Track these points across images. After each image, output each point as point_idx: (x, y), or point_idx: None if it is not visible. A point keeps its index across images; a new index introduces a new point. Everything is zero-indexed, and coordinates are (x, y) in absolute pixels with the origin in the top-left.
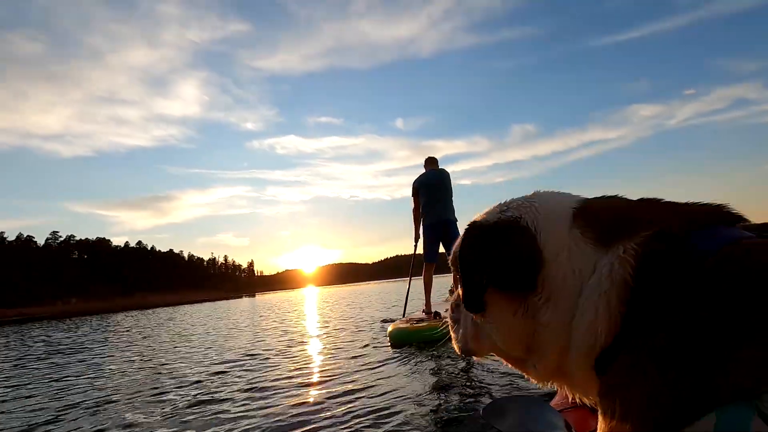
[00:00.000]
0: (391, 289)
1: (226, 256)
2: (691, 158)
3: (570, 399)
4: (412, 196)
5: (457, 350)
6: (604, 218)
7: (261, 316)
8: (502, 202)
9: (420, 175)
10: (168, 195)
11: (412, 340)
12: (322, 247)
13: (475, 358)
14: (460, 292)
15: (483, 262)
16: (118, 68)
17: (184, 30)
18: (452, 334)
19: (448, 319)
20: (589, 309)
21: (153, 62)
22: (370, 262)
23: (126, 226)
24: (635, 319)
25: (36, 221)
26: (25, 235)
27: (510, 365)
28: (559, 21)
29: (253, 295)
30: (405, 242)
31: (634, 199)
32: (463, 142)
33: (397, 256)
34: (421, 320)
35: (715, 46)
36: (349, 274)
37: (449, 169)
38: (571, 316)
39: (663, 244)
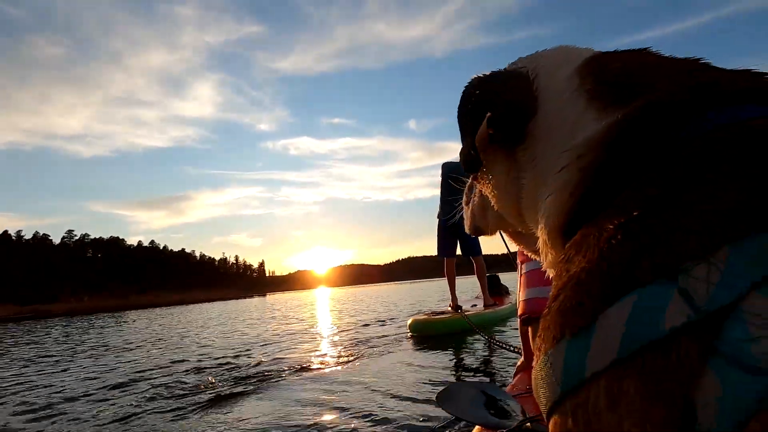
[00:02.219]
0: (411, 289)
1: (237, 256)
2: None
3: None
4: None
5: (468, 229)
6: (611, 73)
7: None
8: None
9: (446, 162)
10: (184, 195)
11: (432, 331)
12: (334, 248)
13: (485, 238)
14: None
15: (474, 112)
16: (136, 70)
17: (200, 32)
18: (465, 217)
19: (463, 205)
20: (560, 175)
21: (170, 64)
22: (382, 264)
23: (142, 225)
24: (600, 195)
25: (56, 220)
26: (41, 233)
27: (516, 244)
28: (574, 21)
29: (264, 295)
30: (417, 244)
31: (670, 56)
32: None
33: (409, 257)
34: (442, 313)
35: (737, 44)
36: (360, 275)
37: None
38: (546, 179)
39: (651, 119)
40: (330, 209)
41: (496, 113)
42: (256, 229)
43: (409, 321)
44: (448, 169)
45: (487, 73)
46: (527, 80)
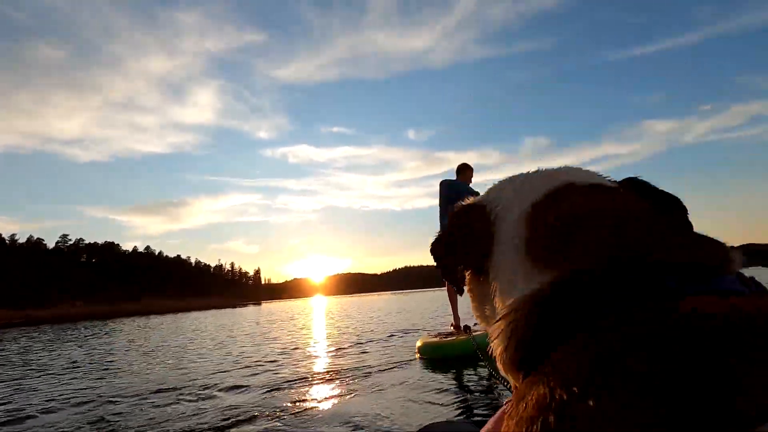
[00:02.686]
0: (408, 301)
1: (233, 263)
2: (706, 174)
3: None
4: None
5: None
6: (546, 226)
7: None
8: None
9: (443, 182)
10: (181, 201)
11: (440, 354)
12: (332, 257)
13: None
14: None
15: (450, 244)
16: (136, 75)
17: (201, 39)
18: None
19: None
20: (500, 323)
21: (171, 70)
22: (379, 273)
23: (139, 231)
24: (528, 354)
25: (52, 224)
26: (35, 237)
27: None
28: (573, 34)
29: (259, 304)
30: (414, 253)
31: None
32: (474, 154)
33: (406, 267)
34: (450, 334)
35: (733, 61)
36: (357, 283)
37: (455, 177)
38: (496, 316)
39: (570, 294)
40: (328, 217)
41: (462, 250)
42: (253, 236)
43: (419, 343)
44: (447, 187)
45: (470, 202)
46: (490, 223)
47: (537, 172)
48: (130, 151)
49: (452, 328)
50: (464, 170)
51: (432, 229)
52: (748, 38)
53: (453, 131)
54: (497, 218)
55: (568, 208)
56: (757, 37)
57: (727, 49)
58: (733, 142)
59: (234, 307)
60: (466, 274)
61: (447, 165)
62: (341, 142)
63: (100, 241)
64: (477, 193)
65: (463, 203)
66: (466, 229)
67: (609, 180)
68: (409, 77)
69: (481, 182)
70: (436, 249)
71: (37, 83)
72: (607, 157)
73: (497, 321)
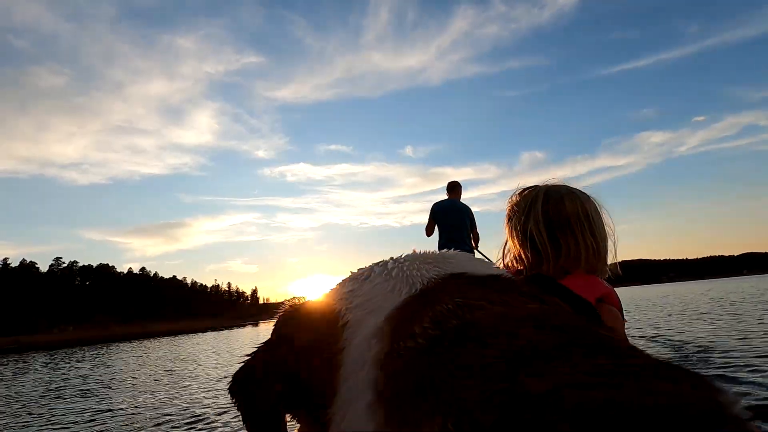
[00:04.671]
0: None
1: (229, 283)
2: (701, 185)
3: None
4: (430, 219)
5: None
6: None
7: None
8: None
9: (438, 203)
10: (180, 222)
11: None
12: (331, 275)
13: None
14: None
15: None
16: (136, 99)
17: (200, 63)
18: None
19: None
20: None
21: (170, 93)
22: None
23: (137, 253)
24: None
25: (49, 248)
26: (28, 261)
27: None
28: (566, 50)
29: (257, 324)
30: None
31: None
32: (471, 169)
33: None
34: None
35: (724, 73)
36: None
37: (446, 196)
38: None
39: None
40: (326, 235)
41: (299, 391)
42: (252, 255)
43: None
44: (438, 208)
45: (299, 303)
46: (335, 327)
47: (382, 270)
48: (129, 173)
49: None
50: (455, 188)
51: (432, 244)
52: (737, 52)
53: (450, 147)
54: (349, 325)
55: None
56: (745, 51)
57: (718, 63)
58: (727, 151)
59: (230, 328)
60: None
61: (444, 181)
62: (339, 159)
63: (98, 263)
64: (465, 208)
65: (294, 304)
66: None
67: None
68: (405, 95)
69: (478, 196)
70: (240, 384)
71: (37, 109)
72: (603, 169)
73: None
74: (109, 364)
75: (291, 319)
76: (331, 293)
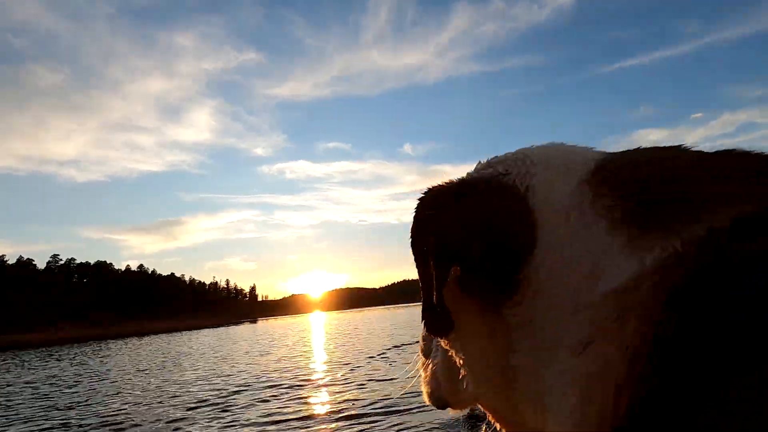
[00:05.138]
0: (409, 316)
1: (228, 280)
2: None
3: None
4: None
5: (427, 398)
6: (644, 181)
7: None
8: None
9: None
10: (178, 219)
11: None
12: (330, 272)
13: (451, 411)
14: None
15: (439, 248)
16: (134, 97)
17: (199, 61)
18: (422, 375)
19: (418, 354)
20: (582, 361)
21: (168, 91)
22: (377, 287)
23: (135, 250)
24: (672, 393)
25: (47, 246)
26: (25, 258)
27: (499, 424)
28: (565, 49)
29: (255, 321)
30: (411, 267)
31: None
32: (470, 167)
33: (404, 281)
34: None
35: (722, 71)
36: (356, 298)
37: None
38: (555, 361)
39: (749, 246)
40: (325, 232)
41: (474, 252)
42: (250, 252)
43: None
44: None
45: (454, 180)
46: (519, 198)
47: (539, 147)
48: (127, 170)
49: None
50: None
51: None
52: (734, 50)
53: (448, 145)
54: (533, 192)
55: (653, 159)
56: (742, 49)
57: (715, 60)
58: (726, 149)
59: (228, 325)
60: (459, 307)
61: (443, 178)
62: (338, 157)
63: (96, 261)
64: None
65: (455, 180)
66: (483, 214)
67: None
68: (404, 93)
69: None
70: (423, 235)
71: (36, 106)
72: None
73: (580, 352)
74: (98, 362)
75: (460, 194)
76: (488, 171)
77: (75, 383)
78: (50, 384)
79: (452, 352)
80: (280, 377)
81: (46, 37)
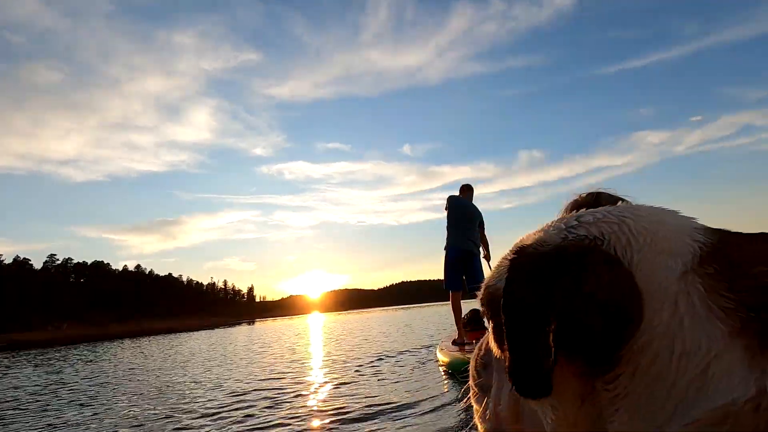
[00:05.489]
0: (409, 317)
1: (225, 280)
2: (699, 184)
3: None
4: (445, 209)
5: (483, 431)
6: (761, 284)
7: None
8: (564, 214)
9: (456, 197)
10: (177, 219)
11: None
12: (329, 273)
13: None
14: (495, 347)
15: (552, 311)
16: (133, 96)
17: (198, 60)
18: (475, 408)
19: (471, 386)
20: None
21: (167, 90)
22: (376, 288)
23: (134, 250)
24: None
25: (45, 245)
26: (21, 257)
27: None
28: (564, 49)
29: (253, 322)
30: (411, 268)
31: None
32: (469, 168)
33: (403, 282)
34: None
35: (721, 73)
36: (354, 300)
37: (455, 193)
38: None
39: None
40: (324, 233)
41: (595, 327)
42: (249, 253)
43: (448, 359)
44: (456, 201)
45: (546, 243)
46: (628, 273)
47: (629, 209)
48: (126, 170)
49: (453, 344)
50: (467, 190)
51: (430, 243)
52: (734, 52)
53: (448, 145)
54: (638, 269)
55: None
56: (741, 51)
57: (715, 62)
58: (725, 151)
59: (226, 326)
60: (563, 372)
61: (443, 179)
62: (337, 157)
63: (93, 261)
64: (477, 209)
65: (544, 248)
66: (595, 285)
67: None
68: (403, 94)
69: (477, 195)
70: (526, 313)
71: (34, 105)
72: (601, 168)
73: None
74: (95, 363)
75: (558, 262)
76: (587, 229)
77: (69, 384)
78: (45, 385)
79: (537, 410)
80: (268, 383)
81: (44, 34)
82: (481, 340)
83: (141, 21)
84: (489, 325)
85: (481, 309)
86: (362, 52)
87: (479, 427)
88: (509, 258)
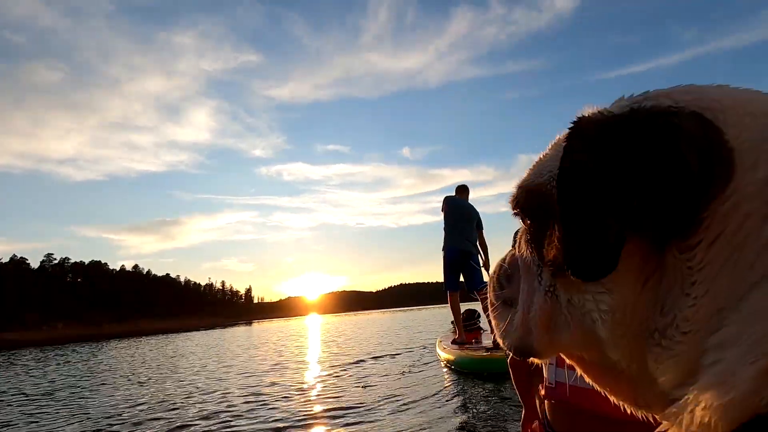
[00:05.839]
0: (409, 319)
1: (223, 281)
2: None
3: None
4: (442, 210)
5: (505, 345)
6: None
7: None
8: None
9: (452, 197)
10: (176, 220)
11: (481, 370)
12: (327, 274)
13: (536, 360)
14: (528, 249)
15: (624, 178)
16: (133, 96)
17: (198, 60)
18: (495, 323)
19: (490, 299)
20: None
21: (167, 90)
22: (374, 290)
23: (132, 250)
24: None
25: (43, 244)
26: (18, 257)
27: (590, 379)
28: (564, 54)
29: (250, 323)
30: (410, 270)
31: None
32: (469, 171)
33: (401, 284)
34: (490, 349)
35: (721, 80)
36: (353, 301)
37: (454, 194)
38: (723, 319)
39: None
40: (323, 235)
41: (673, 184)
42: (248, 254)
43: (448, 355)
44: (453, 202)
45: (625, 107)
46: (716, 129)
47: (723, 87)
48: (125, 170)
49: (452, 344)
50: (463, 191)
51: (428, 245)
52: (734, 58)
53: (447, 149)
54: (727, 126)
55: None
56: (742, 58)
57: (714, 69)
58: None
59: (223, 327)
60: (630, 247)
61: (442, 182)
62: (336, 159)
63: (90, 260)
64: (474, 209)
65: (610, 115)
66: (659, 151)
67: None
68: (403, 96)
69: (476, 198)
70: (579, 181)
71: (34, 104)
72: None
73: (744, 315)
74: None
75: (637, 126)
76: (662, 100)
77: (66, 385)
78: (39, 385)
79: (580, 299)
80: (260, 385)
81: (44, 33)
82: (505, 253)
83: (141, 21)
84: (524, 226)
85: (513, 212)
86: (362, 54)
87: (501, 343)
88: (569, 127)
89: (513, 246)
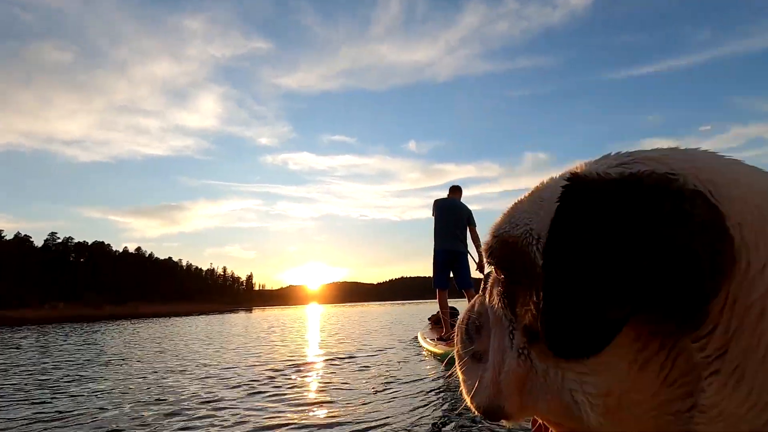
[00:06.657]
0: (408, 313)
1: (225, 267)
2: None
3: None
4: (432, 214)
5: (473, 406)
6: None
7: None
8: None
9: (441, 199)
10: (180, 205)
11: None
12: (328, 265)
13: (506, 423)
14: (500, 303)
15: (623, 254)
16: (141, 79)
17: (207, 45)
18: (462, 380)
19: (457, 352)
20: None
21: (175, 75)
22: (375, 283)
23: (136, 233)
24: None
25: (48, 224)
26: (22, 234)
27: None
28: (575, 52)
29: (250, 310)
30: (411, 264)
31: None
32: (474, 167)
33: (402, 278)
34: None
35: (732, 84)
36: (353, 293)
37: (445, 194)
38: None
39: None
40: (326, 225)
41: (674, 271)
42: (251, 241)
43: (441, 351)
44: (441, 204)
45: (623, 172)
46: (721, 216)
47: (687, 151)
48: (131, 153)
49: (437, 341)
50: (456, 191)
51: (430, 241)
52: (747, 62)
53: (453, 144)
54: (740, 224)
55: None
56: (755, 61)
57: (726, 72)
58: None
59: (223, 312)
60: (632, 334)
61: (447, 177)
62: (342, 150)
63: (93, 241)
64: (464, 207)
65: (606, 178)
66: (669, 237)
67: None
68: (411, 89)
69: (480, 195)
70: (575, 254)
71: (42, 84)
72: None
73: None
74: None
75: (649, 211)
76: (649, 165)
77: (61, 365)
78: (37, 364)
79: (559, 373)
80: (258, 375)
81: (54, 13)
82: (472, 300)
83: (151, 4)
84: (497, 277)
85: (486, 260)
86: (371, 45)
87: (469, 402)
88: (562, 185)
89: (482, 289)
